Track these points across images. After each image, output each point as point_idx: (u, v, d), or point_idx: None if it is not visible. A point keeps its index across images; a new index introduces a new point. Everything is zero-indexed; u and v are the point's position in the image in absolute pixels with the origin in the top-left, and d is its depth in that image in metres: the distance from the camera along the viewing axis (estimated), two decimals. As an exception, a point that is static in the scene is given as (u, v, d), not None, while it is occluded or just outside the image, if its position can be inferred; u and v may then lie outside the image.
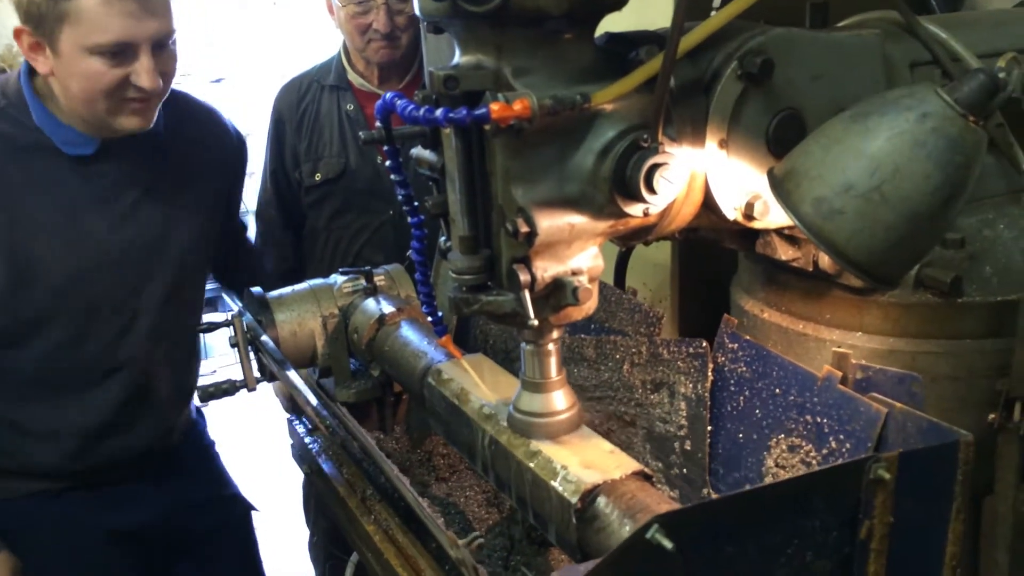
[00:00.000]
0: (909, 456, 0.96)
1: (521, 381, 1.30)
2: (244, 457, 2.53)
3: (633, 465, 1.20)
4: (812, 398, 1.24)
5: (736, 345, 1.38)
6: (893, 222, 1.06)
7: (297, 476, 2.53)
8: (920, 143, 1.04)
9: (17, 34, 1.81)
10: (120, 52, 1.77)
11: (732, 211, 1.24)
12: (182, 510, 2.24)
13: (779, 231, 1.33)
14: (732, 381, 1.39)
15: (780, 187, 1.13)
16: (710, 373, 1.40)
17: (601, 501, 1.15)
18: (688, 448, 1.44)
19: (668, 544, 0.84)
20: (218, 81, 6.31)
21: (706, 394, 1.40)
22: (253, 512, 2.46)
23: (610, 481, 1.16)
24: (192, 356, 2.27)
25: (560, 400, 1.28)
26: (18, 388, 1.99)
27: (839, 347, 1.33)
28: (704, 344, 1.41)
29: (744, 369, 1.37)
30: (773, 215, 1.23)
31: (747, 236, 1.38)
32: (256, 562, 2.50)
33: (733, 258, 1.62)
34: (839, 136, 1.09)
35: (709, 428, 1.41)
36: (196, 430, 2.39)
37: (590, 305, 1.21)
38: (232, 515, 2.41)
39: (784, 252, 1.34)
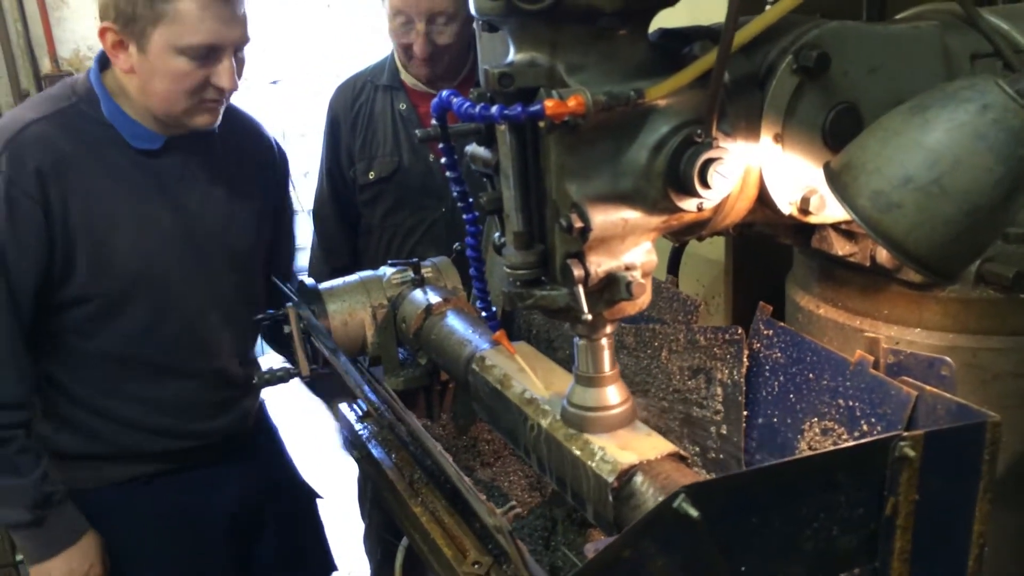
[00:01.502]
0: (935, 436, 0.97)
1: (574, 376, 1.31)
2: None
3: (669, 447, 1.24)
4: (844, 382, 1.26)
5: (771, 331, 1.41)
6: (953, 216, 1.04)
7: (338, 473, 2.58)
8: (981, 135, 1.02)
9: (102, 32, 1.91)
10: (207, 55, 1.88)
11: (787, 206, 1.23)
12: (258, 494, 2.33)
13: (835, 226, 1.31)
14: (767, 367, 1.41)
15: (837, 181, 1.12)
16: (745, 359, 1.42)
17: (637, 480, 1.18)
18: (724, 432, 1.47)
19: (694, 513, 0.87)
20: (275, 83, 6.41)
21: (742, 380, 1.42)
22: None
23: (646, 461, 1.20)
24: (255, 345, 2.35)
25: (614, 394, 1.29)
26: (103, 375, 2.08)
27: (896, 343, 1.32)
28: (739, 331, 1.43)
29: (779, 355, 1.39)
30: (829, 209, 1.22)
31: (802, 231, 1.37)
32: (326, 548, 2.58)
33: (788, 254, 1.61)
34: (897, 128, 1.08)
35: (745, 413, 1.44)
36: (263, 414, 2.48)
37: (644, 300, 1.21)
38: (300, 501, 2.49)
39: (840, 247, 1.33)
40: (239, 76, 1.99)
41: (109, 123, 1.99)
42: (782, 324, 1.39)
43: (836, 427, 1.28)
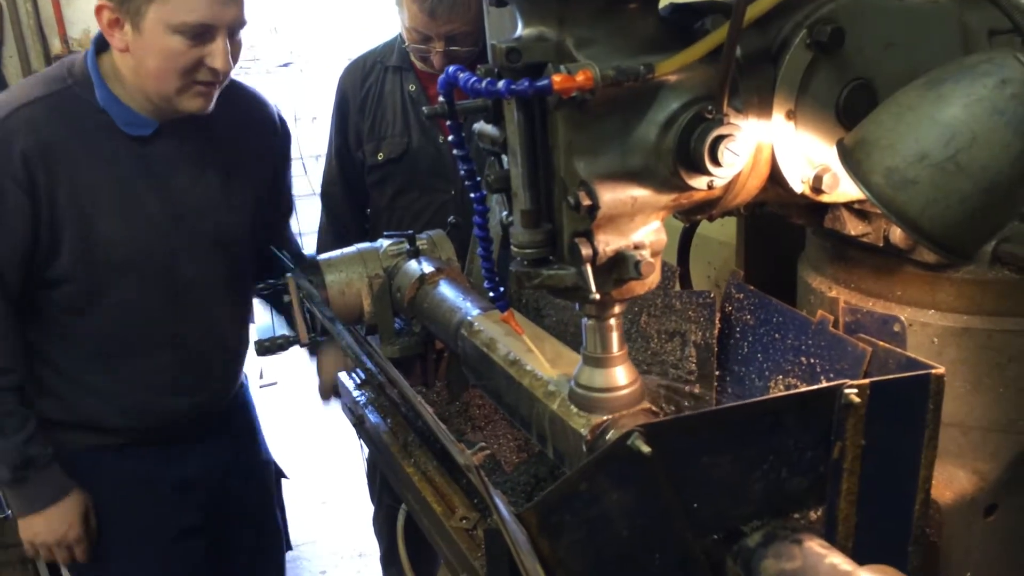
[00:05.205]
0: (881, 385, 1.02)
1: (582, 356, 1.30)
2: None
3: (642, 403, 1.28)
4: (807, 341, 1.33)
5: (742, 295, 1.47)
6: (970, 193, 1.02)
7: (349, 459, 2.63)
8: (999, 110, 0.99)
9: (98, 10, 1.91)
10: (200, 34, 1.88)
11: (800, 184, 1.21)
12: (232, 470, 2.39)
13: (848, 205, 1.29)
14: (738, 329, 1.48)
15: (850, 157, 1.10)
16: (717, 322, 1.49)
17: (611, 434, 1.23)
18: (697, 392, 1.51)
19: (646, 449, 0.93)
20: (285, 65, 6.40)
21: (714, 341, 1.48)
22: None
23: (619, 416, 1.24)
24: (244, 328, 2.38)
25: (622, 375, 1.27)
26: (83, 353, 2.12)
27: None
28: (712, 295, 1.50)
29: (748, 317, 1.45)
30: (842, 188, 1.20)
31: (815, 211, 1.35)
32: (284, 526, 2.72)
33: (799, 236, 1.59)
34: (912, 104, 1.05)
35: (716, 373, 1.49)
36: (243, 392, 2.52)
37: (652, 279, 1.20)
38: (269, 479, 2.58)
39: (853, 227, 1.31)
40: (234, 60, 1.99)
41: (102, 109, 1.99)
42: (752, 288, 1.45)
43: (799, 384, 1.34)
